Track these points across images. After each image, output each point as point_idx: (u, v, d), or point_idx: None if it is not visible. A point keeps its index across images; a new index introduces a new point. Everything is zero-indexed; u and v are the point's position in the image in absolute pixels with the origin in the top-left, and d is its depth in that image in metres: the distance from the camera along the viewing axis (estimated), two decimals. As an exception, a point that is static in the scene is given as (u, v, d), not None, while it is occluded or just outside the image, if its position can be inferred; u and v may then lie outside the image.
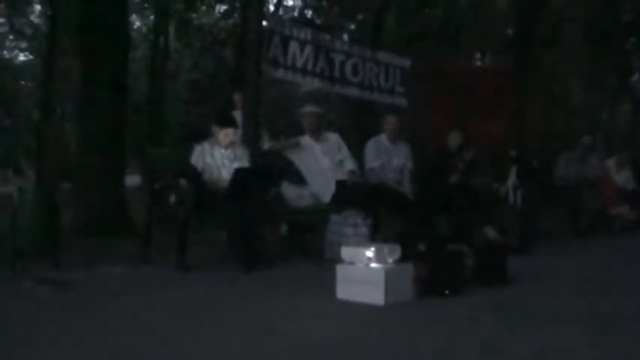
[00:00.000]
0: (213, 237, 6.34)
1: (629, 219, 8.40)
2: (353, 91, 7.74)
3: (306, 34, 7.07)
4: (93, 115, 7.80)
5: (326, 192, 6.21)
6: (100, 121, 7.68)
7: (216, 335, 3.40)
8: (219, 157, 5.79)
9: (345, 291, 4.18)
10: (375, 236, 5.74)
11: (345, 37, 18.75)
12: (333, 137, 6.72)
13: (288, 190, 6.18)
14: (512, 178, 7.06)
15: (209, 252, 6.06)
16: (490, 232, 6.27)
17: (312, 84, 7.82)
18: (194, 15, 21.14)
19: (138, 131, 19.12)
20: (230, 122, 5.96)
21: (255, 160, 6.02)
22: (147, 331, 3.46)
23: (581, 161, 8.58)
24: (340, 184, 6.20)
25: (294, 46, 6.83)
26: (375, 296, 4.03)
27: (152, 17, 21.32)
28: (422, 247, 4.68)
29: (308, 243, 6.28)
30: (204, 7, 20.95)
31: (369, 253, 4.16)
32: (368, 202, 6.05)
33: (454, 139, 7.00)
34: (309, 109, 6.89)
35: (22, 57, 27.98)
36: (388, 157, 6.73)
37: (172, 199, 5.49)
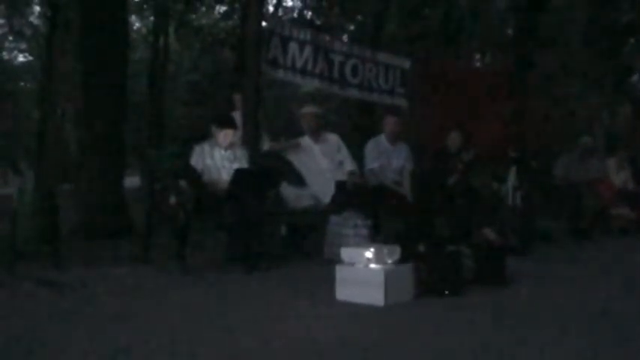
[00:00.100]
0: (213, 238, 6.34)
1: (629, 219, 8.39)
2: (352, 92, 7.74)
3: (305, 34, 7.07)
4: (93, 116, 7.80)
5: (325, 193, 6.22)
6: (99, 122, 7.67)
7: (216, 336, 3.40)
8: (219, 158, 5.79)
9: (344, 292, 4.18)
10: (374, 237, 5.74)
11: (345, 37, 18.75)
12: (333, 138, 6.72)
13: (288, 191, 6.18)
14: (511, 179, 7.06)
15: (209, 253, 6.07)
16: (490, 233, 6.27)
17: (312, 85, 7.82)
18: (194, 16, 21.13)
19: (138, 132, 19.12)
20: (230, 123, 5.96)
21: (255, 161, 6.02)
22: (147, 332, 3.47)
23: (580, 162, 8.57)
24: (340, 185, 6.21)
25: (293, 47, 6.84)
26: (374, 297, 4.03)
27: (152, 18, 21.31)
28: (421, 247, 4.69)
29: (307, 243, 6.28)
30: (203, 8, 20.94)
31: (369, 253, 4.16)
32: (367, 202, 6.06)
33: (454, 139, 7.01)
34: (308, 109, 6.90)
35: (21, 58, 28.02)
36: (388, 158, 6.74)
37: (172, 200, 5.48)
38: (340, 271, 4.25)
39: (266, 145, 6.84)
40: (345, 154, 6.61)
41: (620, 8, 15.54)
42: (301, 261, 5.81)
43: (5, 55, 26.28)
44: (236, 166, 5.68)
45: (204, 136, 6.40)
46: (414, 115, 8.08)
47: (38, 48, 23.20)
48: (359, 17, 19.66)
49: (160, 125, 19.20)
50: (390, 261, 4.18)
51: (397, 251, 4.24)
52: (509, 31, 16.47)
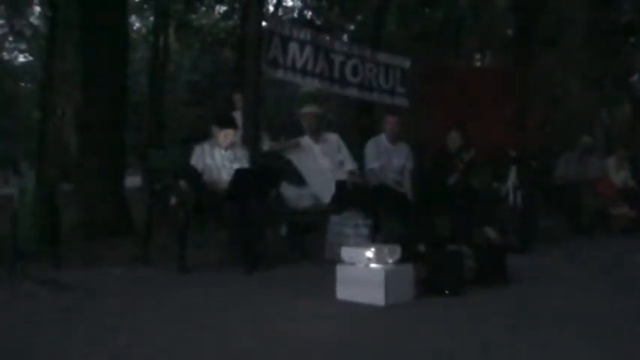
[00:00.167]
0: (213, 238, 6.35)
1: (630, 219, 8.39)
2: (353, 92, 7.74)
3: (305, 34, 7.07)
4: (93, 116, 7.80)
5: (326, 192, 6.21)
6: (99, 122, 7.67)
7: (216, 336, 3.40)
8: (219, 158, 5.79)
9: (345, 291, 4.18)
10: (375, 237, 5.74)
11: (345, 37, 18.76)
12: (333, 138, 6.72)
13: (288, 191, 6.18)
14: (512, 179, 7.06)
15: (209, 253, 6.07)
16: (490, 233, 6.28)
17: (312, 84, 7.82)
18: (194, 16, 21.14)
19: (138, 132, 19.13)
20: (230, 123, 5.96)
21: (255, 161, 6.02)
22: (147, 332, 3.47)
23: (580, 161, 8.58)
24: (340, 185, 6.20)
25: (293, 47, 6.84)
26: (375, 297, 4.03)
27: (152, 18, 21.32)
28: (422, 247, 4.69)
29: (308, 243, 6.28)
30: (203, 8, 20.95)
31: (369, 253, 4.16)
32: (368, 202, 6.05)
33: (454, 139, 7.00)
34: (308, 109, 6.89)
35: (21, 58, 28.05)
36: (388, 158, 6.73)
37: (173, 200, 5.48)
38: (341, 271, 4.25)
39: (266, 145, 6.84)
40: (345, 153, 6.61)
41: (620, 8, 15.54)
42: (302, 261, 5.81)
43: (5, 55, 26.32)
44: (236, 166, 5.68)
45: (204, 136, 6.40)
46: (414, 114, 8.07)
47: (38, 48, 23.22)
48: (359, 17, 19.67)
49: (160, 125, 19.21)
50: (390, 261, 4.18)
51: (398, 251, 4.23)
52: (509, 31, 16.47)
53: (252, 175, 5.65)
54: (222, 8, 20.29)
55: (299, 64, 6.91)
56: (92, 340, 3.30)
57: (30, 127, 23.27)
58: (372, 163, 6.68)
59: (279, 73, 6.84)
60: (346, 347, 3.19)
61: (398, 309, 3.94)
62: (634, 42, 17.34)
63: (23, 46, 26.83)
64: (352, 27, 20.68)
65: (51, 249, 5.58)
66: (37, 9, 22.95)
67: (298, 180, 6.33)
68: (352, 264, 4.23)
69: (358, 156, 6.82)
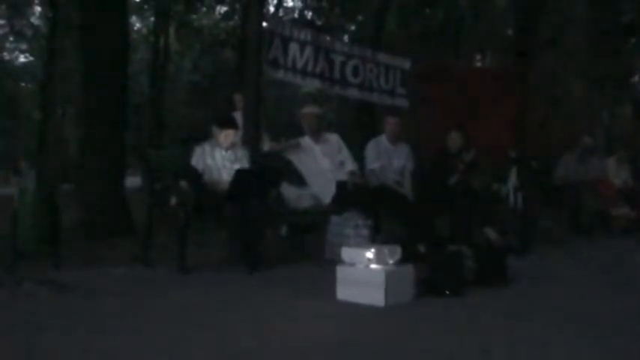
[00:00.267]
0: (213, 238, 6.35)
1: (630, 219, 8.38)
2: (353, 92, 7.74)
3: (306, 35, 7.07)
4: (93, 116, 7.80)
5: (326, 193, 6.21)
6: (100, 122, 7.67)
7: (217, 336, 3.41)
8: (220, 159, 5.79)
9: (345, 292, 4.18)
10: (375, 237, 5.74)
11: (346, 38, 18.76)
12: (333, 138, 6.72)
13: (289, 191, 6.18)
14: (512, 179, 7.06)
15: (209, 253, 6.07)
16: (490, 233, 6.27)
17: (313, 85, 7.82)
18: (194, 16, 21.15)
19: (138, 132, 19.14)
20: (230, 123, 5.96)
21: (256, 162, 6.02)
22: (147, 332, 3.47)
23: (581, 162, 8.57)
24: (341, 185, 6.20)
25: (294, 47, 6.83)
26: (375, 297, 4.03)
27: (152, 19, 21.33)
28: (422, 248, 4.69)
29: (308, 244, 6.28)
30: (204, 9, 20.96)
31: (370, 254, 4.16)
32: (368, 203, 6.05)
33: (454, 139, 6.99)
34: (309, 110, 6.89)
35: (22, 59, 28.07)
36: (388, 158, 6.73)
37: (173, 200, 5.48)
38: (341, 272, 4.25)
39: (266, 145, 6.83)
40: (345, 154, 6.60)
41: (621, 8, 15.53)
42: (302, 261, 5.81)
43: (6, 55, 26.33)
44: (237, 166, 5.68)
45: (204, 136, 6.40)
46: (415, 115, 8.07)
47: (39, 48, 23.23)
48: (359, 17, 19.68)
49: (160, 125, 19.22)
50: (390, 261, 4.18)
51: (398, 251, 4.23)
52: (510, 31, 16.48)
53: (252, 176, 5.64)
54: (223, 9, 20.31)
55: (299, 64, 6.90)
56: (92, 340, 3.30)
57: (30, 127, 23.28)
58: (372, 163, 6.68)
59: (280, 74, 6.84)
60: (346, 347, 3.20)
61: (398, 309, 3.94)
62: (635, 42, 17.35)
63: (24, 46, 26.86)
64: (353, 27, 20.70)
65: (51, 249, 5.58)
66: (38, 9, 22.99)
67: (298, 180, 6.33)
68: (352, 264, 4.23)
69: (358, 156, 6.82)
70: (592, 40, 12.98)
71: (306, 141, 6.54)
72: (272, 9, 17.47)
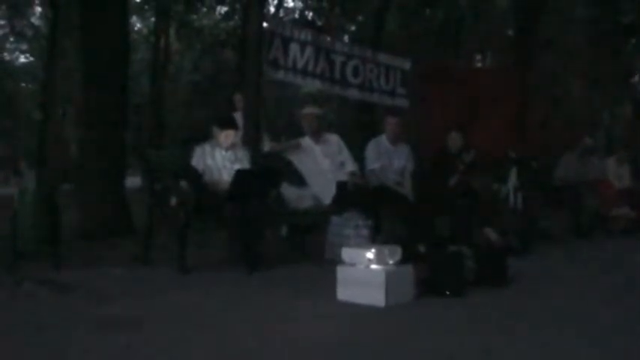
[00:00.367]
0: (213, 238, 6.35)
1: (630, 219, 8.38)
2: (353, 93, 7.74)
3: (306, 35, 7.07)
4: (93, 117, 7.80)
5: (326, 193, 6.21)
6: (100, 123, 7.67)
7: (217, 336, 3.41)
8: (220, 159, 5.79)
9: (345, 292, 4.18)
10: (375, 238, 5.74)
11: (346, 38, 18.77)
12: (334, 138, 6.71)
13: (289, 192, 6.17)
14: (512, 179, 7.06)
15: (209, 253, 6.07)
16: (490, 234, 6.27)
17: (313, 85, 7.82)
18: (195, 16, 21.15)
19: (138, 132, 19.15)
20: (231, 124, 5.96)
21: (256, 162, 6.02)
22: (147, 332, 3.47)
23: (581, 162, 8.57)
24: (341, 186, 6.20)
25: (294, 48, 6.83)
26: (375, 298, 4.03)
27: (153, 19, 21.34)
28: (422, 248, 4.69)
29: (308, 244, 6.28)
30: (204, 9, 20.96)
31: (370, 254, 4.16)
32: (368, 203, 6.05)
33: (454, 139, 7.00)
34: (309, 110, 6.89)
35: (22, 59, 28.08)
36: (389, 159, 6.73)
37: (173, 200, 5.48)
38: (341, 272, 4.25)
39: (267, 145, 6.83)
40: (345, 154, 6.60)
41: (621, 9, 15.54)
42: (302, 261, 5.81)
43: (7, 55, 26.34)
44: (237, 166, 5.68)
45: (205, 136, 6.40)
46: (415, 115, 8.07)
47: (39, 49, 23.25)
48: (359, 17, 19.69)
49: (160, 126, 19.22)
50: (391, 262, 4.18)
51: (398, 252, 4.23)
52: (510, 31, 16.48)
53: (252, 176, 5.65)
54: (223, 9, 20.31)
55: (300, 64, 6.91)
56: (92, 340, 3.30)
57: (30, 127, 23.29)
58: (372, 163, 6.68)
59: (280, 74, 6.84)
60: (346, 348, 3.20)
61: (398, 310, 3.94)
62: (635, 42, 17.36)
63: (24, 47, 26.87)
64: (353, 27, 20.70)
65: (51, 249, 5.58)
66: (38, 9, 23.00)
67: (299, 181, 6.33)
68: (353, 265, 4.23)
69: (359, 157, 6.82)
70: (592, 40, 13.01)
71: (307, 141, 6.54)
72: (272, 9, 17.48)
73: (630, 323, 3.64)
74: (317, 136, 6.56)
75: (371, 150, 6.76)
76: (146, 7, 21.04)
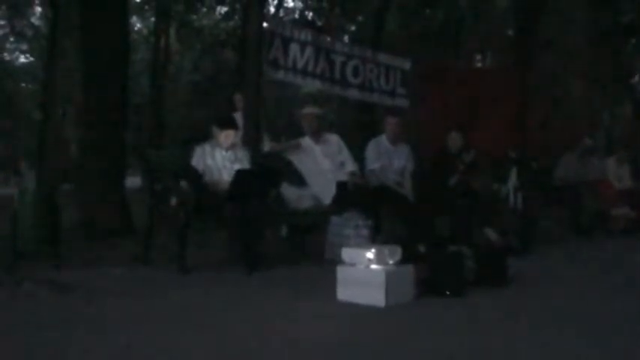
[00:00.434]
0: (213, 238, 6.35)
1: (630, 219, 8.38)
2: (353, 93, 7.75)
3: (306, 35, 7.08)
4: (93, 117, 7.80)
5: (326, 193, 6.21)
6: (100, 123, 7.68)
7: (217, 336, 3.41)
8: (220, 159, 5.79)
9: (345, 292, 4.18)
10: (375, 238, 5.74)
11: (346, 38, 18.77)
12: (334, 138, 6.72)
13: (289, 192, 6.18)
14: (512, 180, 7.06)
15: (209, 253, 6.07)
16: (490, 234, 6.27)
17: (313, 85, 7.82)
18: (195, 16, 21.16)
19: (138, 132, 19.15)
20: (231, 124, 5.96)
21: (256, 162, 6.02)
22: (147, 333, 3.47)
23: (581, 162, 8.57)
24: (341, 186, 6.20)
25: (294, 48, 6.84)
26: (375, 298, 4.03)
27: (153, 19, 21.34)
28: (422, 248, 4.69)
29: (308, 244, 6.28)
30: (204, 9, 20.97)
31: (370, 254, 4.16)
32: (368, 203, 6.05)
33: (454, 139, 7.00)
34: (309, 110, 6.89)
35: (22, 59, 28.08)
36: (389, 159, 6.73)
37: (173, 200, 5.48)
38: (341, 272, 4.25)
39: (267, 145, 6.83)
40: (345, 154, 6.60)
41: (621, 9, 15.54)
42: (302, 261, 5.81)
43: (7, 56, 26.34)
44: (237, 166, 5.68)
45: (205, 136, 6.40)
46: (415, 115, 8.07)
47: (39, 49, 23.24)
48: (359, 18, 19.69)
49: (160, 126, 19.22)
50: (391, 262, 4.18)
51: (398, 252, 4.23)
52: (510, 32, 16.49)
53: (252, 176, 5.64)
54: (223, 9, 20.31)
55: (300, 64, 6.91)
56: (92, 340, 3.30)
57: (30, 127, 23.28)
58: (372, 164, 6.68)
59: (280, 74, 6.85)
60: (346, 348, 3.19)
61: (398, 310, 3.94)
62: (635, 42, 17.36)
63: (24, 47, 26.87)
64: (353, 27, 20.71)
65: (51, 249, 5.58)
66: (38, 9, 23.00)
67: (299, 181, 6.33)
68: (353, 265, 4.23)
69: (359, 157, 6.82)
70: (592, 40, 13.00)
71: (307, 141, 6.54)
72: (272, 9, 17.48)
73: (630, 323, 3.63)
74: (317, 136, 6.56)
75: (371, 150, 6.76)
76: (146, 7, 21.05)
